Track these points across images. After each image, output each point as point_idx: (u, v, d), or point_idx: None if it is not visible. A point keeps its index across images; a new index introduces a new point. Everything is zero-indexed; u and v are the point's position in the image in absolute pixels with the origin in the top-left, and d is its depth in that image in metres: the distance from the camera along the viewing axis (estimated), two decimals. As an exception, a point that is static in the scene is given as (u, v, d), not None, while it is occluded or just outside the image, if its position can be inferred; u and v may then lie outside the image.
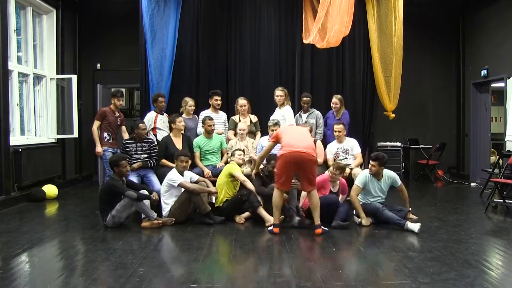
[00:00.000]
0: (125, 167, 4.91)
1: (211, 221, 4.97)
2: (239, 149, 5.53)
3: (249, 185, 5.09)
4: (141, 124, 5.72)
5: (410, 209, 5.14)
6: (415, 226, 4.59)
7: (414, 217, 5.13)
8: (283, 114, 6.31)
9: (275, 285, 3.14)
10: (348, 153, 5.80)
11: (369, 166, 5.00)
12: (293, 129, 5.09)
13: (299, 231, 4.65)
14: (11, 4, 6.56)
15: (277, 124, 5.89)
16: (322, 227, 4.52)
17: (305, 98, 6.56)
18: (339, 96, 6.72)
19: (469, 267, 3.47)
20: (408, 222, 4.68)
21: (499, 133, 8.28)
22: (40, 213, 5.85)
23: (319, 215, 4.54)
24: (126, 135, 6.25)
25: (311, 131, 5.89)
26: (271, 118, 6.20)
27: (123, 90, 11.34)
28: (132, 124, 10.59)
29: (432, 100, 9.08)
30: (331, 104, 6.59)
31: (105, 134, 5.94)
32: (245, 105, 6.32)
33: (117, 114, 6.15)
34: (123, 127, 6.31)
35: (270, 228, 4.63)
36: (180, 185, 4.97)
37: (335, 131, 5.85)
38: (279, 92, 6.37)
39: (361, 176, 5.05)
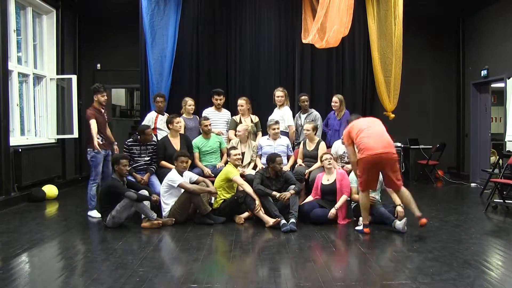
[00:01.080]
0: (124, 166, 4.91)
1: (212, 221, 4.97)
2: (234, 147, 5.48)
3: (247, 188, 5.05)
4: (148, 130, 5.60)
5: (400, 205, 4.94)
6: (400, 225, 4.58)
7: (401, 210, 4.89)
8: (282, 114, 6.31)
9: (275, 285, 3.14)
10: None
11: None
12: (367, 125, 4.66)
13: (299, 232, 4.65)
14: (11, 4, 6.56)
15: (277, 123, 5.88)
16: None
17: (303, 97, 6.55)
18: (339, 95, 6.68)
19: (469, 267, 3.47)
20: (396, 221, 4.67)
21: (499, 133, 8.28)
22: (40, 213, 5.85)
23: (416, 206, 4.45)
24: (109, 132, 5.82)
25: (315, 129, 5.89)
26: (270, 117, 6.20)
27: (122, 88, 11.38)
28: (132, 124, 10.64)
29: (432, 100, 9.08)
30: (332, 103, 6.57)
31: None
32: (242, 105, 6.30)
33: (103, 111, 5.73)
34: (107, 124, 5.87)
35: (360, 228, 4.61)
36: (180, 186, 4.97)
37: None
38: (279, 93, 6.37)
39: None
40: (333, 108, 6.56)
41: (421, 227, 4.40)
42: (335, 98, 6.56)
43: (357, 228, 4.70)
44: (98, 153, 5.43)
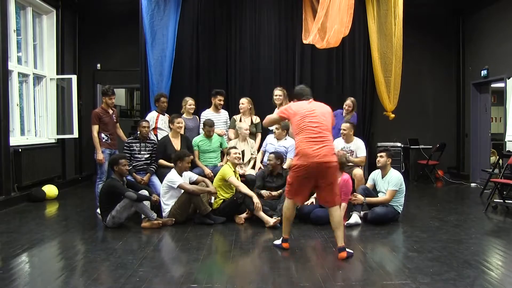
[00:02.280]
0: (124, 166, 4.92)
1: (212, 221, 4.97)
2: (235, 147, 5.50)
3: (244, 189, 5.05)
4: (143, 122, 5.74)
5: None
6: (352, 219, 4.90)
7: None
8: None
9: (275, 285, 3.14)
10: (353, 155, 5.77)
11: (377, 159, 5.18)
12: (310, 116, 3.82)
13: (299, 231, 4.65)
14: (11, 4, 6.56)
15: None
16: (347, 250, 3.75)
17: None
18: (353, 98, 6.50)
19: (469, 267, 3.47)
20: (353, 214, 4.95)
21: (499, 133, 8.28)
22: (40, 213, 5.85)
23: (342, 235, 3.78)
24: (120, 132, 6.08)
25: None
26: None
27: (124, 89, 11.39)
28: (132, 124, 10.64)
29: (432, 100, 9.08)
30: (344, 106, 6.42)
31: (103, 135, 5.69)
32: (243, 103, 6.32)
33: (111, 112, 5.88)
34: (117, 124, 6.06)
35: (278, 242, 4.07)
36: (179, 187, 4.96)
37: (342, 129, 5.83)
38: (278, 92, 6.36)
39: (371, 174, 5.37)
40: (345, 111, 6.41)
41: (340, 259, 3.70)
42: (348, 102, 6.37)
43: (275, 242, 4.11)
44: (104, 153, 5.62)
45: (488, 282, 3.16)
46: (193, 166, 5.68)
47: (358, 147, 5.78)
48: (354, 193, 5.08)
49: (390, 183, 5.03)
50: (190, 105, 6.29)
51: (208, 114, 6.32)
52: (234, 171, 5.26)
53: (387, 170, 5.13)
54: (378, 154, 5.18)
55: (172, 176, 5.03)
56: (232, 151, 5.33)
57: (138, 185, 5.16)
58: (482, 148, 8.49)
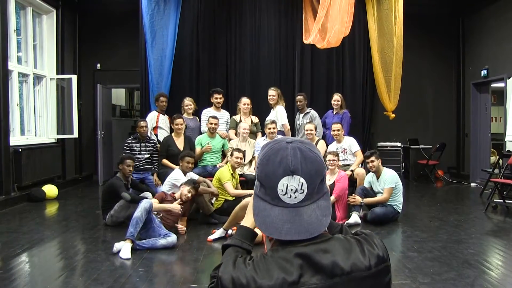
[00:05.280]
0: (128, 166, 4.94)
1: (216, 220, 4.97)
2: (239, 149, 5.48)
3: (238, 193, 5.04)
4: (141, 122, 5.76)
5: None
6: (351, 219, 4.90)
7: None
8: (276, 114, 6.31)
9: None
10: (346, 152, 5.79)
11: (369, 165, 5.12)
12: None
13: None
14: (11, 4, 6.55)
15: (273, 122, 5.89)
16: None
17: (298, 97, 6.59)
18: (339, 94, 6.71)
19: (469, 267, 3.47)
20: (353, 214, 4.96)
21: (499, 133, 8.28)
22: (40, 213, 5.85)
23: None
24: None
25: (316, 129, 5.92)
26: (267, 118, 6.23)
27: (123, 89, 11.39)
28: (132, 124, 10.63)
29: (432, 100, 9.08)
30: (332, 101, 6.56)
31: None
32: (248, 104, 6.31)
33: None
34: None
35: None
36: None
37: (333, 131, 5.85)
38: (271, 92, 6.37)
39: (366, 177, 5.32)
40: (334, 107, 6.55)
41: None
42: (336, 97, 6.55)
43: None
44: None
45: (488, 282, 3.16)
46: (193, 166, 5.68)
47: (350, 143, 5.83)
48: (353, 194, 5.08)
49: (385, 182, 5.04)
50: (186, 106, 6.29)
51: (209, 112, 6.32)
52: (232, 174, 5.23)
53: (380, 170, 5.13)
54: (368, 160, 5.11)
55: (177, 175, 5.02)
56: (235, 154, 5.26)
57: (141, 186, 5.19)
58: (482, 148, 8.49)
